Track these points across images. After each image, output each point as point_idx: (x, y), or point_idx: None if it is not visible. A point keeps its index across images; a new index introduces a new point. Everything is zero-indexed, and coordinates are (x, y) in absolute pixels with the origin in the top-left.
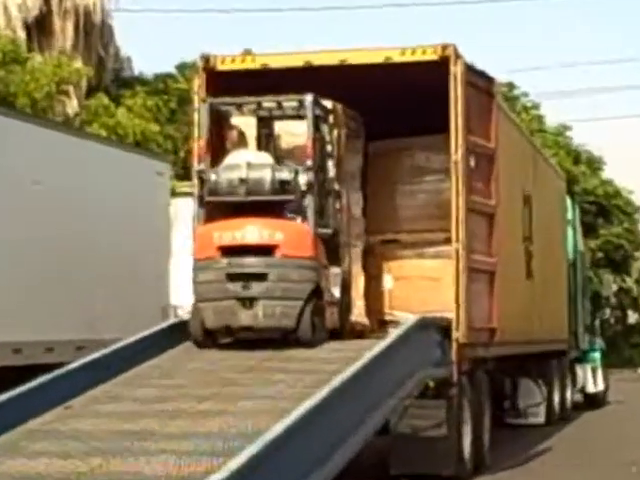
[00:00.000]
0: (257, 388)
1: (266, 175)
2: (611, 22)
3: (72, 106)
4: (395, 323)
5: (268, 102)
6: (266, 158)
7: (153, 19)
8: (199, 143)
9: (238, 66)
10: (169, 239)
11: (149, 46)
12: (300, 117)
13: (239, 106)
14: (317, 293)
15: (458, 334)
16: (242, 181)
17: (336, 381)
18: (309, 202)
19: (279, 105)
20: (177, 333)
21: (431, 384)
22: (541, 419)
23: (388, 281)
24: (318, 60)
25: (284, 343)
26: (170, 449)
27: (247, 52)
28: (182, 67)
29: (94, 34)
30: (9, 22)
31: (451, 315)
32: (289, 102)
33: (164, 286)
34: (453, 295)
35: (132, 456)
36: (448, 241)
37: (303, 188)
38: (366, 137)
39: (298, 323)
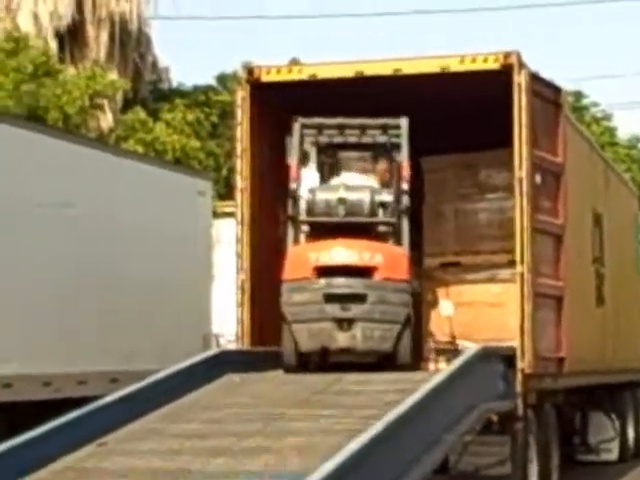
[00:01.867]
0: (305, 423)
1: (365, 197)
2: None
3: (107, 121)
4: (455, 352)
5: (354, 127)
6: (366, 181)
7: (191, 27)
8: (292, 163)
9: (284, 77)
10: (211, 263)
11: (188, 56)
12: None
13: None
14: (410, 319)
15: (523, 364)
16: (340, 201)
17: (390, 416)
18: (404, 225)
19: (363, 129)
20: (219, 364)
21: (494, 418)
22: (614, 455)
23: (447, 307)
24: (370, 70)
25: (376, 368)
26: None
27: (294, 61)
28: (222, 78)
29: (130, 44)
30: (40, 32)
31: (516, 344)
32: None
33: (205, 313)
34: (518, 322)
35: None
36: (512, 264)
37: (401, 211)
38: (421, 152)
39: (395, 347)
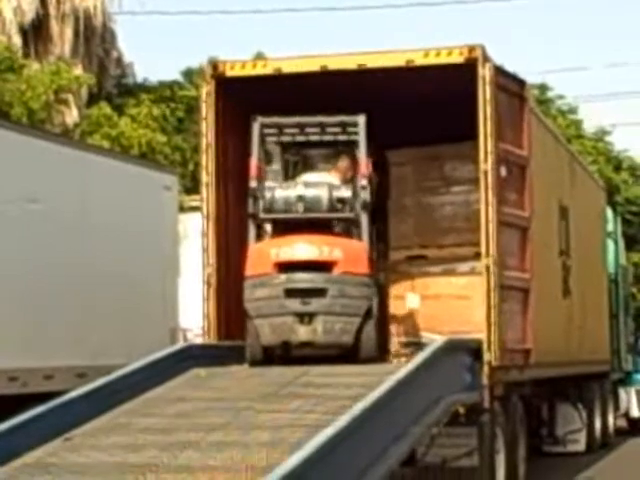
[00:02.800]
0: (271, 417)
1: (323, 193)
2: None
3: (72, 116)
4: (421, 345)
5: (314, 125)
6: (327, 178)
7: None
8: (252, 162)
9: (249, 72)
10: (177, 257)
11: (154, 51)
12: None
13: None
14: (371, 311)
15: (490, 356)
16: (299, 198)
17: (357, 409)
18: (364, 220)
19: (322, 127)
20: (186, 358)
21: (461, 410)
22: (581, 447)
23: (413, 300)
24: (335, 64)
25: (341, 361)
26: None
27: (259, 56)
28: (188, 73)
29: (95, 39)
30: (3, 27)
31: (482, 336)
32: (335, 123)
33: (172, 308)
34: (484, 314)
35: None
36: (478, 256)
37: (360, 206)
38: (387, 145)
39: (356, 340)
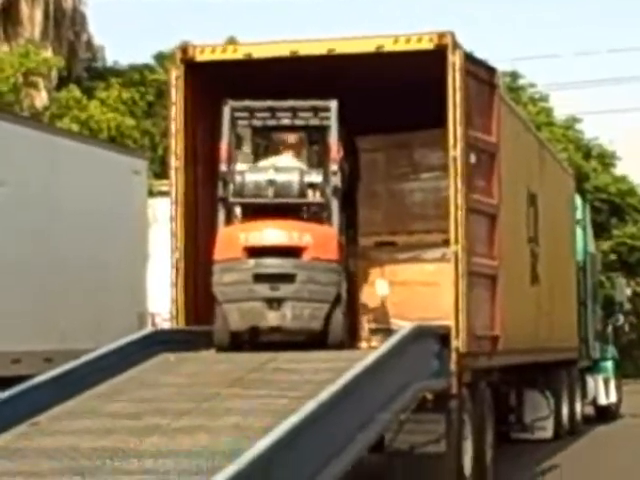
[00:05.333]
0: (239, 402)
1: (294, 178)
2: (627, 8)
3: (41, 99)
4: (390, 331)
5: (286, 109)
6: (297, 162)
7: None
8: (222, 146)
9: (219, 56)
10: (146, 242)
11: (125, 35)
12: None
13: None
14: (339, 298)
15: (458, 343)
16: (270, 183)
17: (324, 394)
18: (334, 206)
19: (294, 112)
20: (154, 343)
21: (429, 397)
22: (549, 434)
23: (382, 286)
24: (305, 49)
25: (310, 346)
26: (145, 468)
27: (231, 41)
28: (160, 57)
29: (65, 22)
30: None
31: (450, 322)
32: (307, 107)
33: (141, 292)
34: (452, 301)
35: (104, 475)
36: (447, 243)
37: (330, 192)
38: (356, 131)
39: (325, 326)
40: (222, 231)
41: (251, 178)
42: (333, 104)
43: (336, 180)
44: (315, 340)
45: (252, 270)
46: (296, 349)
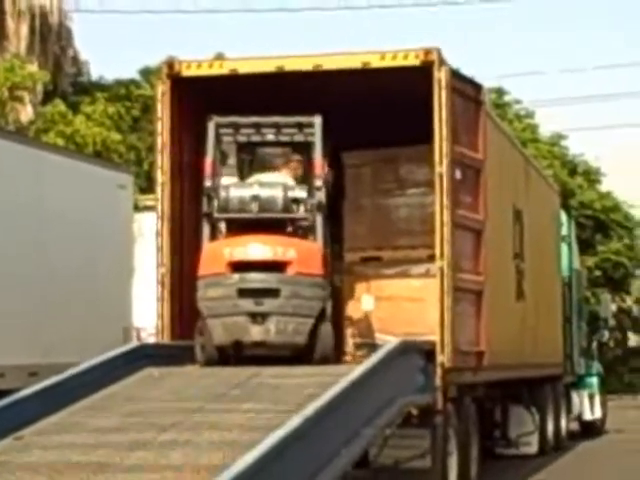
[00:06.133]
0: (224, 417)
1: (278, 193)
2: (612, 25)
3: (26, 113)
4: (375, 346)
5: (271, 125)
6: (282, 178)
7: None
8: (207, 161)
9: (205, 72)
10: (132, 256)
11: (111, 50)
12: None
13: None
14: (324, 312)
15: (443, 358)
16: (254, 198)
17: (309, 409)
18: (318, 221)
19: (279, 128)
20: (139, 357)
21: (414, 412)
22: (534, 449)
23: (368, 301)
24: (291, 65)
25: (294, 361)
26: None
27: (219, 57)
28: (145, 72)
29: (51, 37)
30: None
31: (435, 338)
32: (292, 123)
33: (126, 307)
34: (437, 316)
35: None
36: (432, 259)
37: (315, 207)
38: (342, 147)
39: (309, 340)
40: (207, 246)
41: (235, 193)
42: (317, 120)
43: (320, 195)
44: (300, 355)
45: (236, 285)
46: (281, 364)
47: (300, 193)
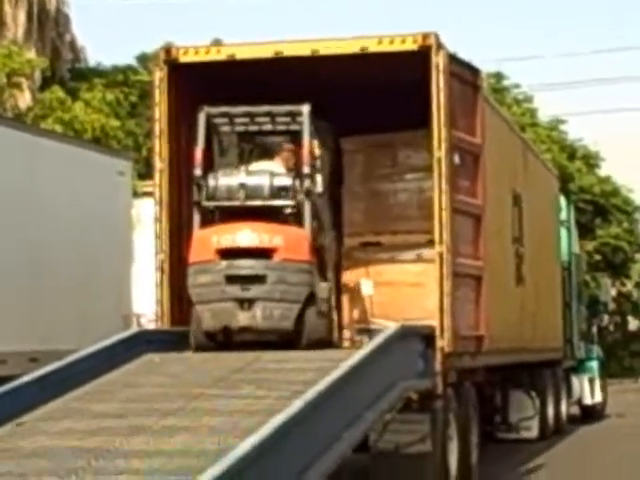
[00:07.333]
0: (224, 403)
1: (264, 181)
2: (611, 9)
3: (24, 100)
4: (375, 332)
5: (263, 114)
6: (274, 166)
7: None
8: (197, 151)
9: (202, 58)
10: (131, 242)
11: (107, 36)
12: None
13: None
14: (312, 298)
15: (443, 343)
16: (241, 186)
17: (309, 394)
18: (306, 209)
19: (272, 116)
20: (139, 343)
21: (414, 397)
22: (534, 433)
23: (367, 287)
24: (289, 50)
25: (282, 346)
26: (130, 468)
27: (216, 43)
28: (142, 58)
29: (48, 23)
30: None
31: (435, 322)
32: (283, 112)
33: (125, 293)
34: (437, 301)
35: (90, 476)
36: (432, 244)
37: (301, 194)
38: (341, 132)
39: (296, 326)
40: (196, 234)
41: (223, 182)
42: (305, 108)
43: (308, 183)
44: (288, 340)
45: (224, 271)
46: (281, 349)
47: (286, 180)
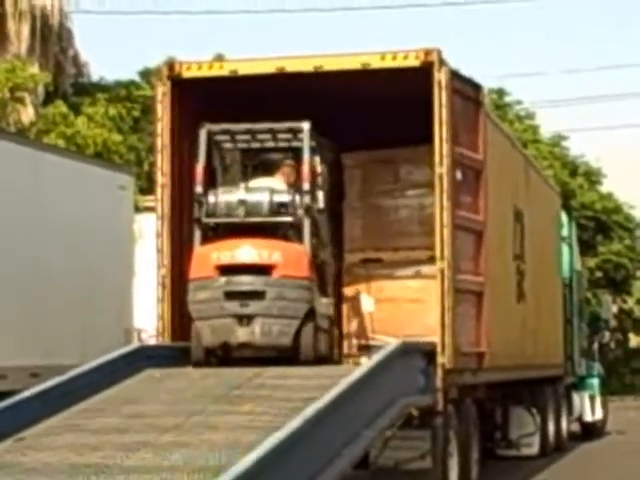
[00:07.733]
0: (224, 419)
1: (264, 198)
2: (613, 26)
3: (27, 114)
4: (375, 348)
5: (264, 132)
6: (274, 183)
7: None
8: (198, 168)
9: (205, 73)
10: (132, 257)
11: (111, 51)
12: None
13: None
14: (312, 314)
15: (443, 359)
16: (240, 203)
17: (309, 410)
18: (306, 225)
19: (273, 133)
20: (139, 358)
21: (415, 413)
22: (534, 450)
23: (368, 303)
24: (291, 66)
25: (281, 362)
26: None
27: (219, 58)
28: (145, 73)
29: (51, 38)
30: None
31: (436, 339)
32: (284, 129)
33: (127, 308)
34: (438, 318)
35: None
36: (432, 260)
37: (300, 211)
38: (342, 148)
39: (295, 342)
40: (197, 251)
41: (223, 198)
42: (305, 126)
43: (308, 199)
44: (286, 356)
45: (223, 288)
46: (281, 364)
47: (286, 197)
